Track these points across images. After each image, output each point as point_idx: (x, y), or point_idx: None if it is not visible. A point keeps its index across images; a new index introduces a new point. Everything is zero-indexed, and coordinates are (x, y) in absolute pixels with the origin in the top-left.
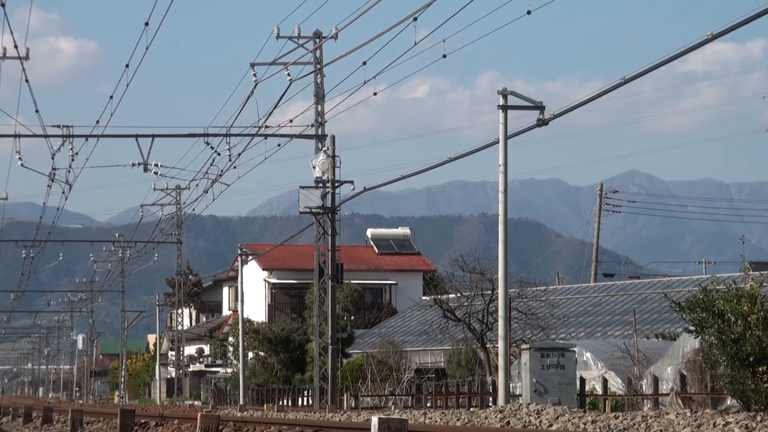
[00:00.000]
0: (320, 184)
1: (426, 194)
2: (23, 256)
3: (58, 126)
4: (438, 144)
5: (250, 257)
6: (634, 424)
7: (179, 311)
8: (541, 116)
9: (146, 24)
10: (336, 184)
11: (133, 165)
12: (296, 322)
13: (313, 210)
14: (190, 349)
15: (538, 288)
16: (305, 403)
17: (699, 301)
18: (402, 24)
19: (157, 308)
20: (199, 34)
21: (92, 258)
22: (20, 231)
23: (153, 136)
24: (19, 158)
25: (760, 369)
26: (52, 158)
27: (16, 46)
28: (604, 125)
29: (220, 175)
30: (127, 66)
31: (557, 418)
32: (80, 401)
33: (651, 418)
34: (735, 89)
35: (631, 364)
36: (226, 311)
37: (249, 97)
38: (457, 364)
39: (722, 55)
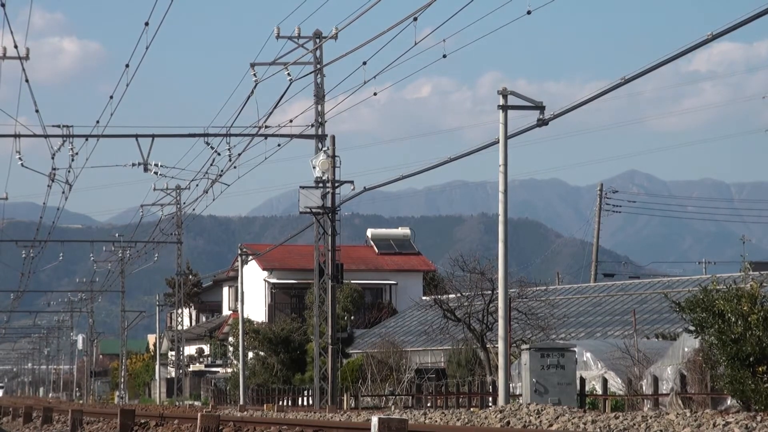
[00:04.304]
0: (320, 184)
1: (426, 194)
2: (23, 256)
3: (58, 126)
4: (439, 144)
5: (250, 257)
6: (634, 424)
7: (179, 311)
8: (541, 116)
9: (146, 24)
10: (336, 184)
11: (133, 165)
12: (296, 322)
13: (313, 210)
14: (190, 349)
15: (538, 288)
16: (305, 403)
17: (699, 301)
18: (402, 24)
19: (157, 308)
20: (199, 34)
21: (92, 258)
22: (20, 231)
23: (153, 136)
24: (19, 158)
25: (760, 369)
26: (52, 158)
27: (16, 46)
28: (606, 125)
29: (220, 175)
30: (127, 66)
31: (557, 418)
32: (80, 401)
33: (651, 418)
34: (739, 89)
35: (631, 364)
36: (226, 311)
37: (249, 97)
38: (457, 364)
39: (728, 55)
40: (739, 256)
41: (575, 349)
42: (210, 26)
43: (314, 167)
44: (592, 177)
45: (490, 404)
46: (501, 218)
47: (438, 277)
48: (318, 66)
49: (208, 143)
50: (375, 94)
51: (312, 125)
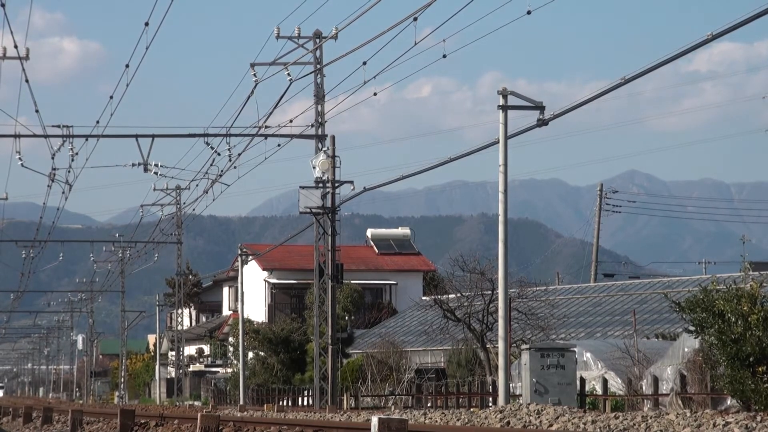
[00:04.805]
0: (320, 184)
1: (426, 194)
2: (23, 256)
3: (58, 126)
4: (439, 144)
5: (250, 257)
6: (634, 425)
7: (179, 311)
8: (541, 116)
9: (146, 24)
10: (336, 184)
11: (133, 165)
12: (296, 322)
13: (313, 210)
14: (190, 349)
15: (538, 288)
16: (305, 403)
17: (699, 302)
18: (402, 24)
19: (157, 308)
20: (199, 34)
21: (92, 258)
22: (20, 231)
23: (153, 136)
24: (19, 158)
25: (760, 369)
26: (52, 158)
27: (16, 46)
28: (606, 125)
29: (220, 175)
30: (127, 66)
31: (557, 418)
32: (80, 401)
33: (651, 418)
34: (740, 89)
35: (631, 364)
36: (226, 311)
37: (249, 97)
38: (457, 364)
39: (728, 54)
40: (739, 256)
41: (575, 349)
42: (210, 26)
43: (314, 167)
44: (592, 177)
45: (490, 404)
46: (501, 218)
47: (438, 277)
48: (318, 66)
49: (208, 143)
50: (375, 94)
51: (312, 125)
